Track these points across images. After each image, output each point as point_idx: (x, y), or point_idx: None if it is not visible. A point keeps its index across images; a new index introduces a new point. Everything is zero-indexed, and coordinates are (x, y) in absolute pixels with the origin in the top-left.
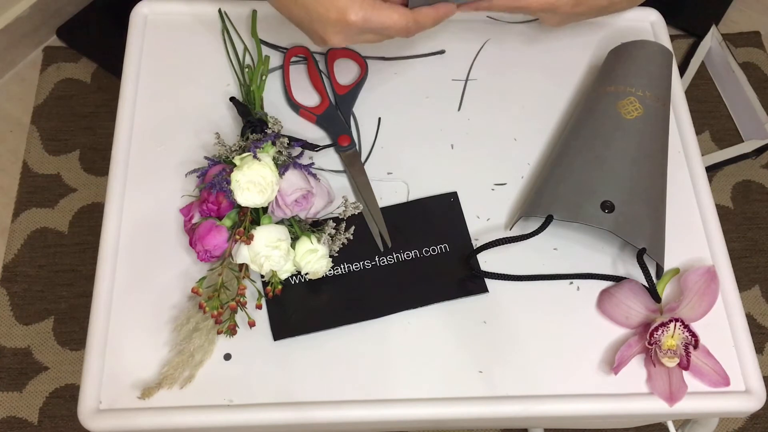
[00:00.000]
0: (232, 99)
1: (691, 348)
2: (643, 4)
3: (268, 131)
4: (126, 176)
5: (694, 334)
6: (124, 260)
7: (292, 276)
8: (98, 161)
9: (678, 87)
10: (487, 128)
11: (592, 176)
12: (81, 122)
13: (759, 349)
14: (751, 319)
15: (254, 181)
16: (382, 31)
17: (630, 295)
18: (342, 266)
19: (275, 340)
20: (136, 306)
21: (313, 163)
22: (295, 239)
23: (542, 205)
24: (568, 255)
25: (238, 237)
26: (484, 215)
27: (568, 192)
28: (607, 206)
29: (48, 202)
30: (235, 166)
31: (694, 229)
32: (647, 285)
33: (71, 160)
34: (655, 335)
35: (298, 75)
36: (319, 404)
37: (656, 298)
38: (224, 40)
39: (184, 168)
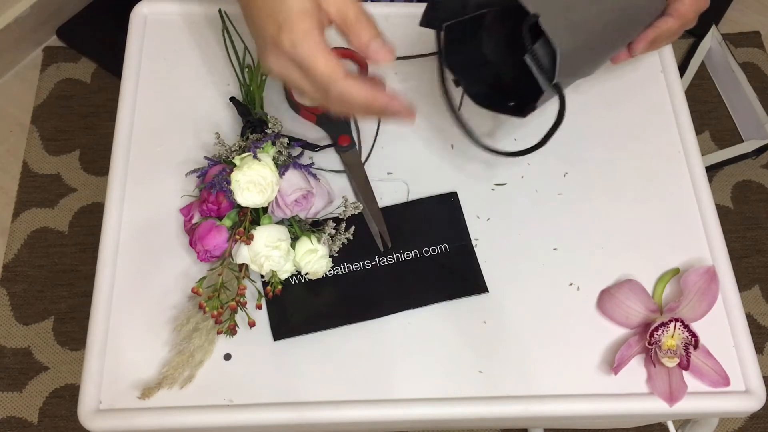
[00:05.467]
0: (232, 99)
1: (691, 348)
2: None
3: (268, 131)
4: (126, 176)
5: (694, 334)
6: (124, 260)
7: (292, 276)
8: (98, 161)
9: (678, 87)
10: (487, 128)
11: None
12: (81, 122)
13: (759, 349)
14: (751, 319)
15: (254, 181)
16: (305, 70)
17: (630, 295)
18: (342, 266)
19: (275, 340)
20: (136, 306)
21: (313, 163)
22: (295, 239)
23: None
24: (568, 255)
25: (238, 237)
26: (484, 215)
27: None
28: None
29: (48, 202)
30: (235, 166)
31: (694, 229)
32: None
33: (71, 160)
34: (655, 335)
35: None
36: (319, 404)
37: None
38: (224, 40)
39: (184, 168)
